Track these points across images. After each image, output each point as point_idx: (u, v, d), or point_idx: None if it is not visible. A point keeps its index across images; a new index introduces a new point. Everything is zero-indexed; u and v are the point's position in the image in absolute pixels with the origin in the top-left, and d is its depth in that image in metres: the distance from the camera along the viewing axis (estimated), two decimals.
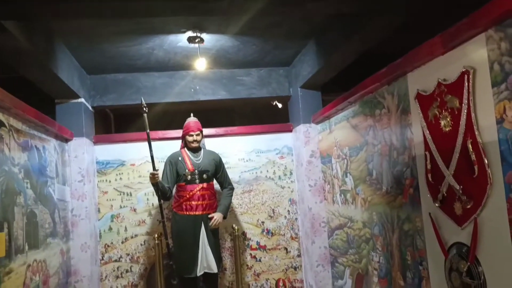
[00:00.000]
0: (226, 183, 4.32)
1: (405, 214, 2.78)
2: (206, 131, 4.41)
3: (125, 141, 4.70)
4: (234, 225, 4.46)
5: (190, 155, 4.15)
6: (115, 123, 7.18)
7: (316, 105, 4.56)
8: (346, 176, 3.77)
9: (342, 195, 3.90)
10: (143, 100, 3.74)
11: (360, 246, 3.56)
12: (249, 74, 4.80)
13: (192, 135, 4.09)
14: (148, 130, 3.78)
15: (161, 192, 3.91)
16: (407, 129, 2.70)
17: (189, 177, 4.05)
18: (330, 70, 4.06)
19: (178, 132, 4.35)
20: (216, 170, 4.23)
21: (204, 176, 4.09)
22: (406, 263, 2.81)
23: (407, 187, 2.74)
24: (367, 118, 3.29)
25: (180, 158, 4.14)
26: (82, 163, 4.21)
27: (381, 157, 3.09)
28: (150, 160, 3.84)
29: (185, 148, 4.23)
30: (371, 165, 3.26)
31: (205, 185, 4.08)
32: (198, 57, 3.98)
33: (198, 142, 4.14)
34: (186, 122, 4.18)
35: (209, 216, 4.04)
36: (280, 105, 6.48)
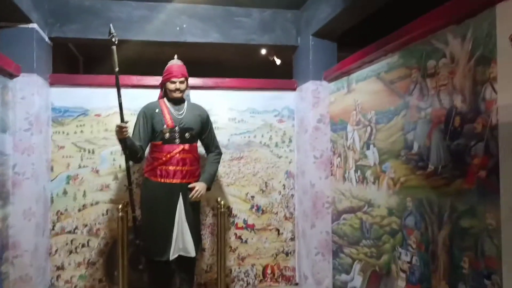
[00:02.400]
0: (213, 146, 3.47)
1: (467, 205, 2.00)
2: (191, 81, 3.52)
3: (90, 84, 3.77)
4: (219, 199, 3.63)
5: (171, 108, 3.28)
6: (85, 68, 6.19)
7: (330, 58, 3.69)
8: (368, 148, 2.96)
9: (359, 171, 3.10)
10: (112, 27, 2.81)
11: (381, 238, 2.78)
12: (249, 15, 3.89)
13: (174, 82, 3.21)
14: (117, 69, 2.87)
15: (130, 151, 3.04)
16: (486, 86, 1.88)
17: (167, 134, 3.18)
18: (356, 12, 3.18)
19: (157, 80, 3.46)
20: (202, 129, 3.37)
21: (187, 135, 3.23)
22: (459, 271, 2.04)
23: (475, 168, 1.94)
24: (411, 72, 2.45)
25: (157, 110, 3.26)
26: (31, 107, 3.28)
27: (430, 125, 2.28)
28: (119, 109, 2.94)
29: (165, 99, 3.35)
30: (411, 136, 2.45)
31: (186, 146, 3.22)
32: None
33: (182, 91, 3.27)
34: (168, 65, 3.29)
35: (190, 186, 3.21)
36: (278, 61, 5.59)
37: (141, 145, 3.18)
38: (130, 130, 3.02)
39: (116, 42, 2.83)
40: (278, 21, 3.93)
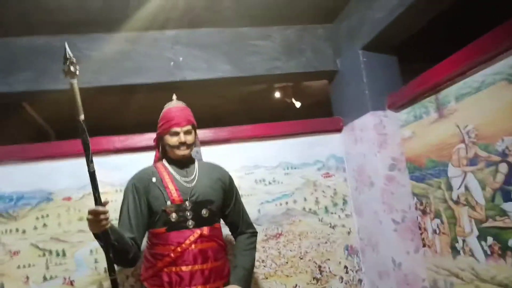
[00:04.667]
0: (243, 224, 2.30)
1: None
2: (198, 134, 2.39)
3: (52, 156, 2.60)
4: None
5: (175, 173, 2.14)
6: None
7: (392, 78, 2.61)
8: (508, 199, 1.79)
9: (490, 238, 1.90)
10: (67, 48, 1.68)
11: None
12: (267, 37, 2.84)
13: (177, 133, 2.10)
14: (82, 116, 1.71)
15: (116, 250, 1.84)
16: None
17: (173, 215, 2.02)
18: (423, 12, 2.16)
19: (150, 139, 2.36)
20: (225, 199, 2.22)
21: (204, 212, 2.06)
22: None
23: None
24: None
25: (154, 180, 2.11)
26: None
27: None
28: (91, 185, 1.76)
29: (164, 161, 2.20)
30: None
31: (205, 230, 2.05)
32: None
33: (189, 146, 2.14)
34: (165, 110, 2.18)
35: None
36: (298, 104, 4.51)
37: (133, 237, 1.99)
38: (115, 216, 1.84)
39: (76, 73, 1.69)
40: (306, 41, 2.88)
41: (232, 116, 4.79)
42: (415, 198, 2.45)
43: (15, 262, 2.48)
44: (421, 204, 2.40)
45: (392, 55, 2.64)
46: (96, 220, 1.69)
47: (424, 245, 2.41)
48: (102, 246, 1.78)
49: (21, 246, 2.50)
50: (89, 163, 1.69)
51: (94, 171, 1.71)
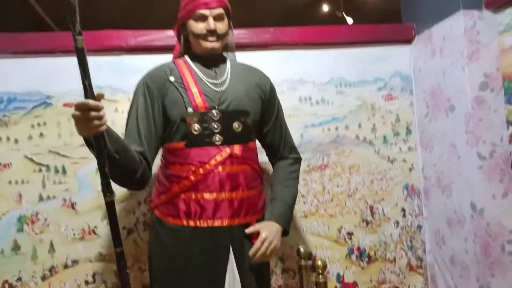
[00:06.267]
0: (285, 146, 1.79)
1: None
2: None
3: (52, 51, 2.09)
4: (301, 248, 1.93)
5: (200, 73, 1.61)
6: None
7: None
8: None
9: None
10: None
11: None
12: None
13: (204, 17, 1.55)
14: None
15: (117, 164, 1.36)
16: None
17: (196, 126, 1.51)
18: None
19: (173, 37, 1.82)
20: (264, 112, 1.70)
21: (236, 125, 1.55)
22: None
23: None
24: None
25: (173, 79, 1.59)
26: None
27: None
28: (82, 81, 1.23)
29: (187, 57, 1.67)
30: None
31: (237, 149, 1.55)
32: None
33: (220, 38, 1.60)
34: None
35: (249, 231, 1.54)
36: (350, 21, 3.84)
37: (142, 151, 1.50)
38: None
39: None
40: None
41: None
42: (511, 127, 1.86)
43: (5, 176, 2.05)
44: None
45: None
46: (86, 119, 1.19)
47: None
48: (97, 157, 1.29)
49: (12, 158, 2.06)
50: (76, 34, 1.16)
51: (83, 48, 1.18)
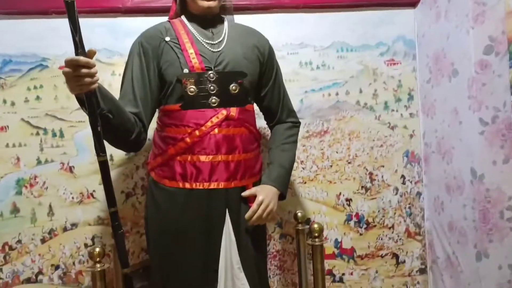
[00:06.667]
0: (284, 109, 1.78)
1: None
2: None
3: (46, 11, 2.05)
4: (298, 213, 1.94)
5: (196, 33, 1.57)
6: None
7: None
8: None
9: None
10: None
11: None
12: None
13: None
14: None
15: (111, 124, 1.35)
16: None
17: (192, 88, 1.48)
18: None
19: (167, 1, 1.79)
20: (262, 74, 1.67)
21: (233, 87, 1.53)
22: None
23: None
24: None
25: (168, 39, 1.55)
26: None
27: None
28: (72, 37, 1.20)
29: (183, 17, 1.63)
30: None
31: (234, 111, 1.53)
32: None
33: None
34: None
35: (245, 194, 1.53)
36: None
37: (137, 112, 1.48)
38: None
39: None
40: None
41: None
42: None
43: (2, 139, 2.05)
44: None
45: None
46: (76, 76, 1.17)
47: None
48: (89, 115, 1.27)
49: (9, 121, 2.05)
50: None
51: (73, 1, 1.14)
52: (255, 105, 1.74)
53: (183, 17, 1.64)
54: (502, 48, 1.83)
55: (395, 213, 2.26)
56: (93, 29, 2.03)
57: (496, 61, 1.84)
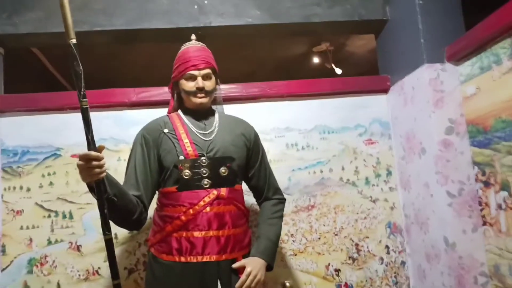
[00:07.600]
0: (269, 188, 1.99)
1: None
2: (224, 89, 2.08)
3: (61, 108, 2.35)
4: (286, 282, 2.08)
5: (191, 125, 1.83)
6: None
7: (454, 26, 2.18)
8: None
9: None
10: None
11: None
12: None
13: (193, 77, 1.79)
14: (73, 39, 1.41)
15: (116, 206, 1.56)
16: None
17: (187, 172, 1.71)
18: None
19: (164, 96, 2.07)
20: (249, 157, 1.91)
21: (223, 170, 1.75)
22: None
23: None
24: None
25: (167, 131, 1.80)
26: None
27: None
28: (86, 136, 1.46)
29: (180, 112, 1.90)
30: None
31: (224, 191, 1.75)
32: None
33: (208, 94, 1.83)
34: (182, 50, 1.88)
35: (235, 266, 1.71)
36: (339, 71, 4.11)
37: (139, 195, 1.70)
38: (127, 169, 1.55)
39: (73, 40, 1.40)
40: None
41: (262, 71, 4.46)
42: (476, 168, 2.04)
43: (18, 222, 2.25)
44: (483, 174, 2.00)
45: (454, 4, 2.21)
46: (88, 167, 1.40)
47: (484, 223, 2.01)
48: (98, 201, 1.49)
49: (25, 205, 2.27)
50: (81, 97, 1.39)
51: (87, 108, 1.41)
52: (244, 184, 1.95)
53: (179, 111, 1.91)
54: (462, 129, 2.08)
55: (382, 282, 2.40)
56: (101, 120, 2.31)
57: (457, 140, 2.08)
